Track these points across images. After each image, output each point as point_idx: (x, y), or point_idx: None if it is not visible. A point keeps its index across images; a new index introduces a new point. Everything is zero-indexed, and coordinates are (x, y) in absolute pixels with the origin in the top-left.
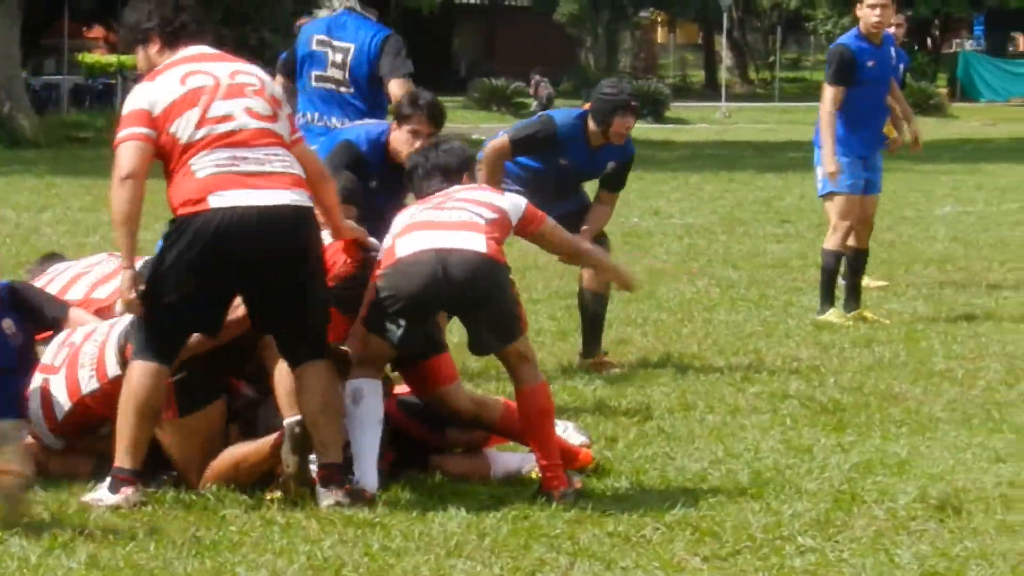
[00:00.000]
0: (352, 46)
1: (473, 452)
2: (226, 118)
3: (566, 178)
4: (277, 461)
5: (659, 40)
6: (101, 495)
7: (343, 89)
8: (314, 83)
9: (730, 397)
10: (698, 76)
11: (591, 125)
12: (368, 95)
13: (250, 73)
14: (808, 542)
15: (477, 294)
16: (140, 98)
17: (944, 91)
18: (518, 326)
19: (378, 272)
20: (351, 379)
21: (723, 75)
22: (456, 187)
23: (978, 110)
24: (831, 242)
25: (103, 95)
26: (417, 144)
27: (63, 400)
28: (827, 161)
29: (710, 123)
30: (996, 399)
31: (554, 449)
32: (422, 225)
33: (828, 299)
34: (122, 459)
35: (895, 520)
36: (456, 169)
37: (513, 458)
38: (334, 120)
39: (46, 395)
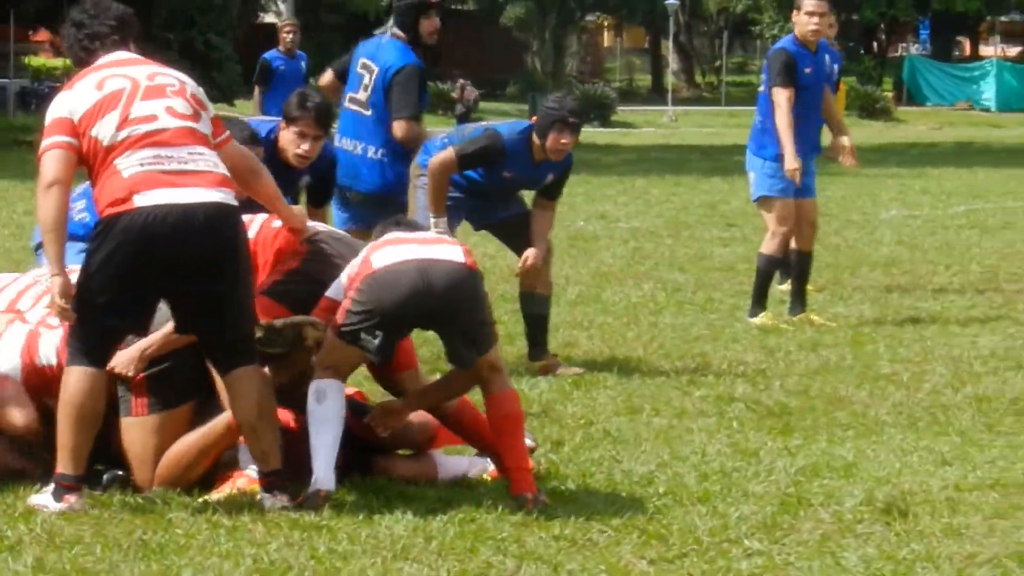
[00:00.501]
0: (377, 70)
1: (419, 454)
2: (148, 118)
3: (507, 189)
4: (232, 439)
5: (606, 44)
6: (45, 501)
7: (365, 112)
8: (346, 103)
9: (676, 400)
10: (645, 80)
11: (535, 139)
12: (385, 122)
13: (169, 75)
14: (755, 545)
15: (458, 305)
16: (60, 107)
17: (890, 95)
18: (492, 336)
19: (355, 285)
20: (316, 379)
21: (669, 79)
22: None
23: (924, 114)
24: (768, 247)
25: (50, 98)
26: (304, 146)
27: (52, 355)
28: (789, 159)
29: (656, 127)
30: (942, 402)
31: (524, 453)
32: (397, 241)
33: (759, 302)
34: (65, 466)
35: (841, 523)
36: None
37: (460, 461)
38: (363, 147)
39: (32, 343)
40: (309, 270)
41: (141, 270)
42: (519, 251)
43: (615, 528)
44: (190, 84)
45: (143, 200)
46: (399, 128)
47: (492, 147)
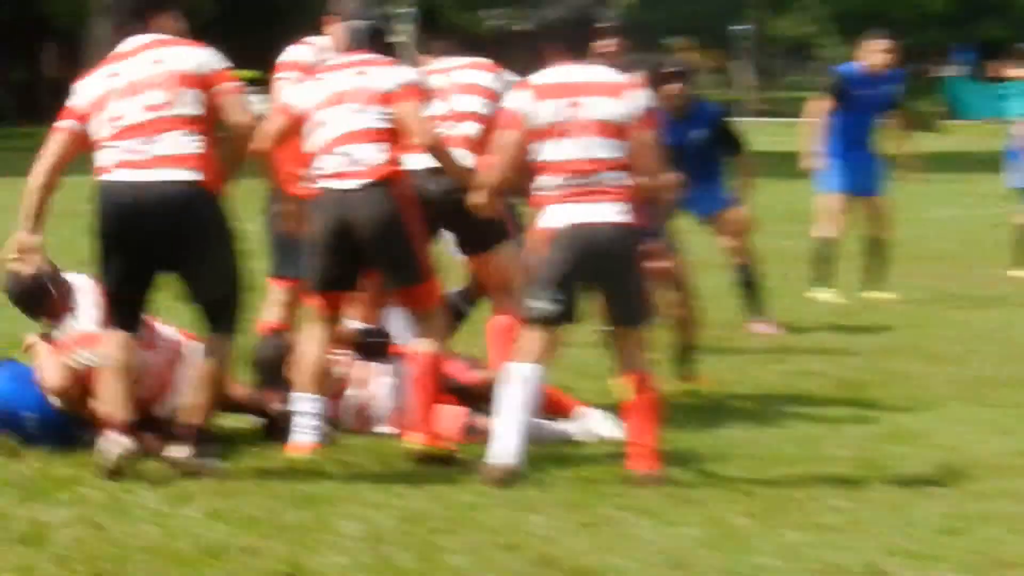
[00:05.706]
0: None
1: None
2: (120, 117)
3: None
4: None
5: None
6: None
7: None
8: None
9: (761, 377)
10: (715, 96)
11: None
12: None
13: (160, 62)
14: (839, 504)
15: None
16: (76, 95)
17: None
18: (646, 309)
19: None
20: (514, 361)
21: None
22: None
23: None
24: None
25: None
26: None
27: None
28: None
29: None
30: (988, 377)
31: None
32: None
33: (823, 279)
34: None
35: (911, 485)
36: None
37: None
38: None
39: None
40: None
41: (115, 243)
42: None
43: (715, 485)
44: (186, 65)
45: (108, 177)
46: None
47: None
